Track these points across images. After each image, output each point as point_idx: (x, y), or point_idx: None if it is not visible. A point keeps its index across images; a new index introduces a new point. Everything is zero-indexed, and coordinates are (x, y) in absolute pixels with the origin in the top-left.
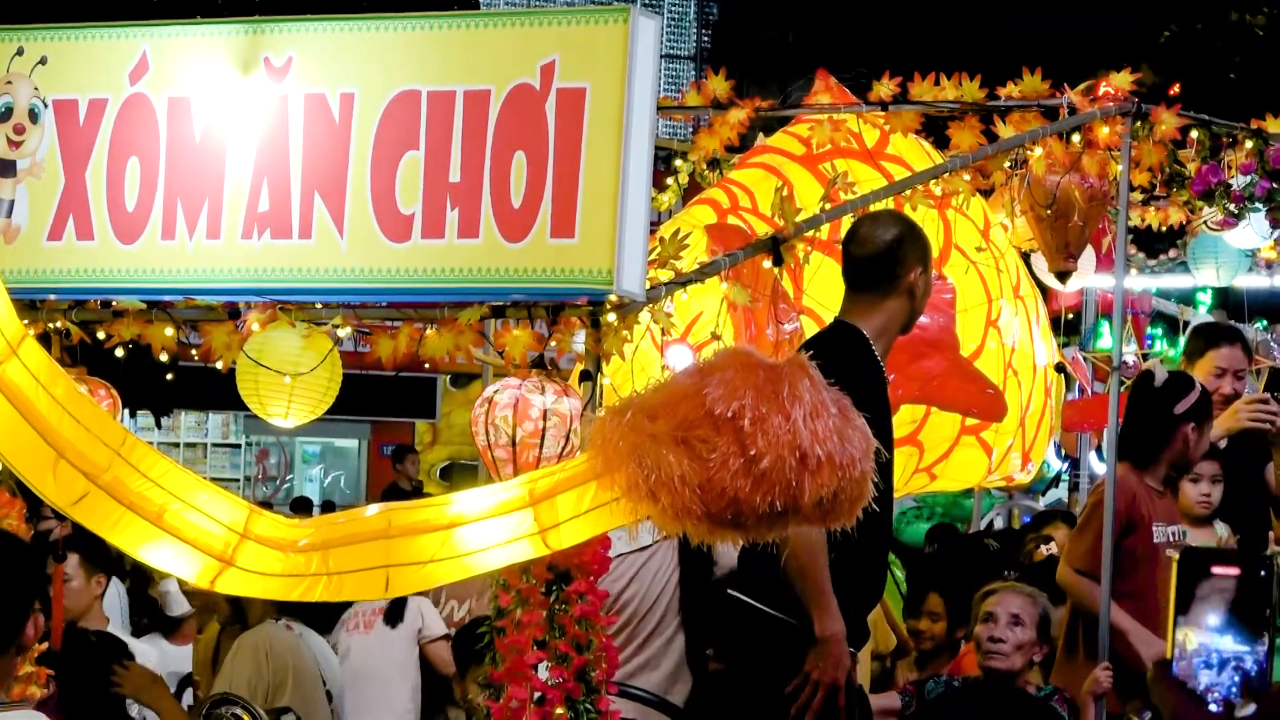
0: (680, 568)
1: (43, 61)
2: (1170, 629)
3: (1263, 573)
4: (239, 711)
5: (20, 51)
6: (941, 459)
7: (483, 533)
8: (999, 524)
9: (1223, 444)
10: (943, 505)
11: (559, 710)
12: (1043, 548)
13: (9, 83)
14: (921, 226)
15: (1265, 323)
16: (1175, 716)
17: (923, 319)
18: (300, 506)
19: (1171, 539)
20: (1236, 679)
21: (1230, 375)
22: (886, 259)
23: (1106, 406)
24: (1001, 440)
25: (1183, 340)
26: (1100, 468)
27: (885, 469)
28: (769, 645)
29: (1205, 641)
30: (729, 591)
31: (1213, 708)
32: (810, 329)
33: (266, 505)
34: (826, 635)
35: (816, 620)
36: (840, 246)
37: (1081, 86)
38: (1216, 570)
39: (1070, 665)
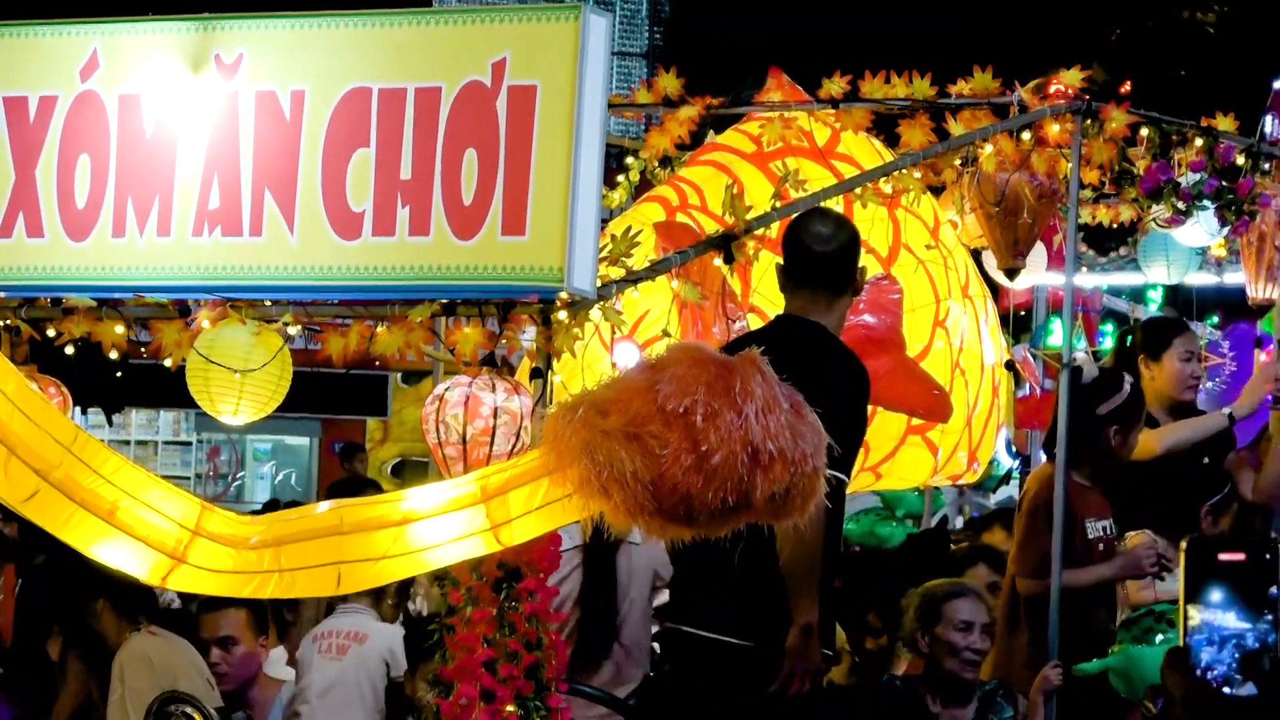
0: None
1: None
2: (1182, 613)
3: (1268, 555)
4: (189, 710)
5: None
6: (887, 458)
7: (435, 529)
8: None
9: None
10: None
11: (509, 708)
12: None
13: None
14: (871, 225)
15: (1215, 320)
16: (1187, 700)
17: (869, 319)
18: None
19: (1104, 533)
20: (1238, 656)
21: (1195, 358)
22: (846, 258)
23: (1053, 404)
24: (948, 440)
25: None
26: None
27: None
28: (723, 672)
29: (1208, 619)
30: (669, 625)
31: (1226, 690)
32: (757, 327)
33: (218, 502)
34: (809, 622)
35: (805, 608)
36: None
37: (1032, 84)
38: (1224, 557)
39: (1011, 643)
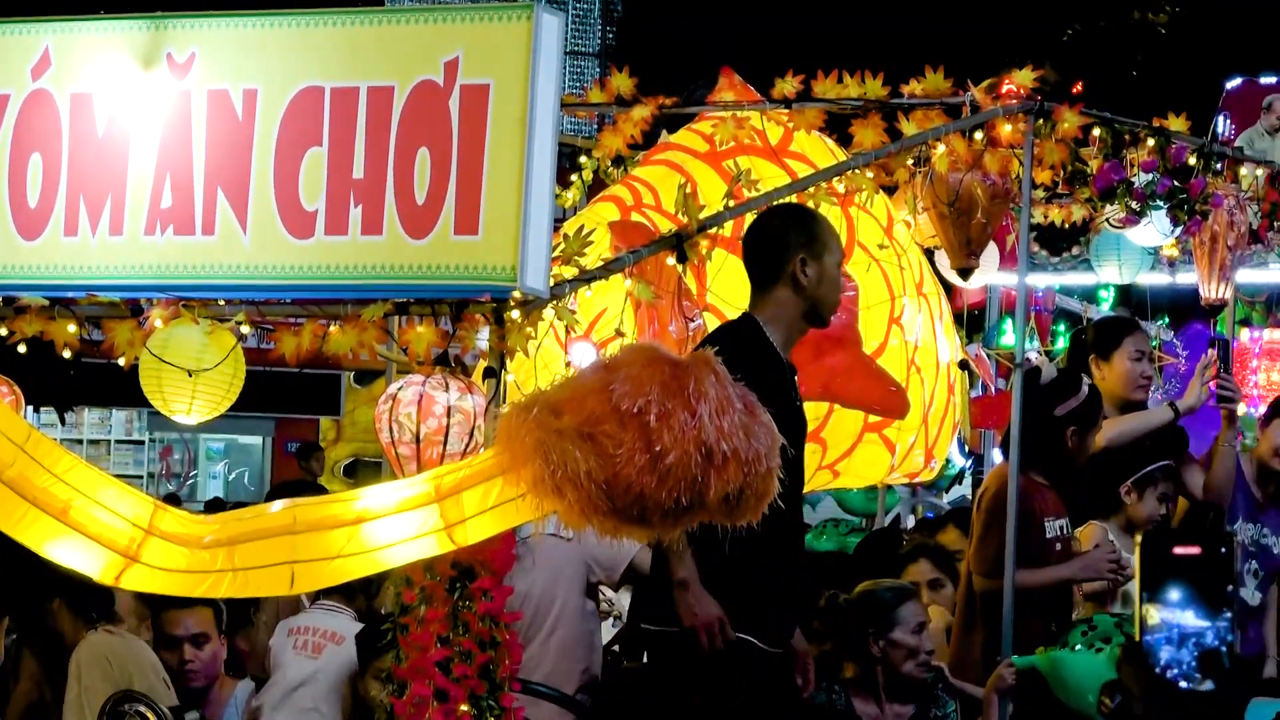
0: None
1: None
2: (1138, 609)
3: (1223, 549)
4: (142, 709)
5: None
6: (844, 456)
7: (389, 528)
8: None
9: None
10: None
11: (463, 707)
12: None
13: None
14: (820, 217)
15: (1166, 320)
16: (1145, 696)
17: None
18: (215, 508)
19: (1060, 532)
20: (1196, 654)
21: (1146, 358)
22: (767, 248)
23: (1009, 404)
24: (904, 437)
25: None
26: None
27: (793, 463)
28: (670, 661)
29: (1166, 617)
30: (635, 625)
31: (1182, 684)
32: (714, 326)
33: (173, 501)
34: (677, 580)
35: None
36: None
37: (984, 84)
38: (1178, 551)
39: (968, 640)
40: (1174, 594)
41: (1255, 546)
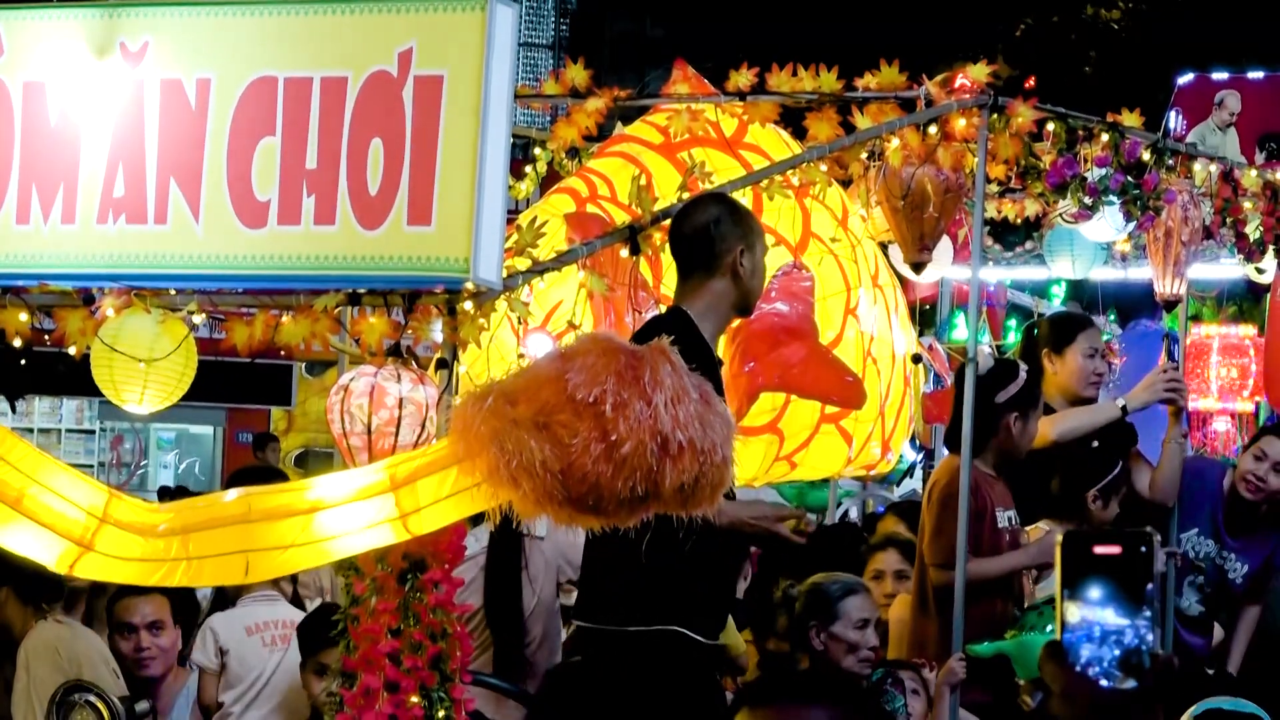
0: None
1: None
2: (1059, 607)
3: (1143, 548)
4: (92, 699)
5: None
6: (801, 447)
7: (343, 518)
8: (854, 514)
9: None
10: (792, 496)
11: (412, 699)
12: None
13: None
14: (747, 208)
15: (1114, 315)
16: (1065, 694)
17: (782, 307)
18: (166, 496)
19: (1010, 524)
20: (1116, 653)
21: (1098, 354)
22: (705, 239)
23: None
24: (861, 429)
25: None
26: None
27: None
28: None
29: (1087, 615)
30: (576, 623)
31: (1103, 683)
32: None
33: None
34: (727, 522)
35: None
36: None
37: (938, 79)
38: (1098, 550)
39: (924, 622)
40: (1094, 592)
41: (1206, 562)
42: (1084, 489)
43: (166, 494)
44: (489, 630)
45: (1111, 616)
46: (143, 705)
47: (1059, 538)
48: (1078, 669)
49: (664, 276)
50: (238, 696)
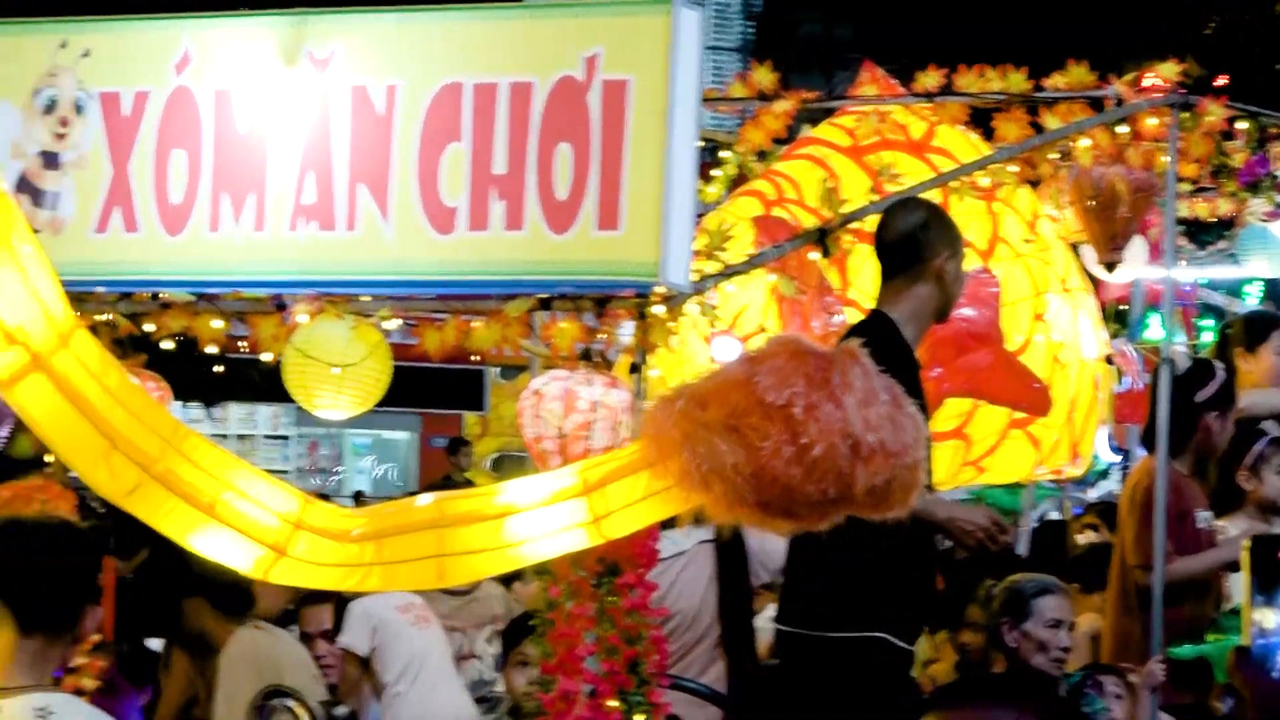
0: (718, 574)
1: (86, 54)
2: (1246, 612)
3: None
4: (291, 704)
5: (64, 44)
6: (989, 452)
7: (536, 521)
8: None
9: None
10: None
11: (610, 702)
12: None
13: (53, 75)
14: (949, 214)
15: None
16: (1256, 700)
17: (968, 312)
18: (360, 501)
19: (1208, 524)
20: None
21: None
22: (910, 243)
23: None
24: (1049, 434)
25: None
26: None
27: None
28: (806, 662)
29: None
30: (780, 629)
31: None
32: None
33: (324, 498)
34: (943, 520)
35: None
36: None
37: (1127, 78)
38: None
39: (1126, 622)
40: None
41: None
42: (1236, 467)
43: (360, 499)
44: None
45: None
46: (342, 710)
47: (1245, 544)
48: (1274, 676)
49: (851, 279)
50: (400, 674)
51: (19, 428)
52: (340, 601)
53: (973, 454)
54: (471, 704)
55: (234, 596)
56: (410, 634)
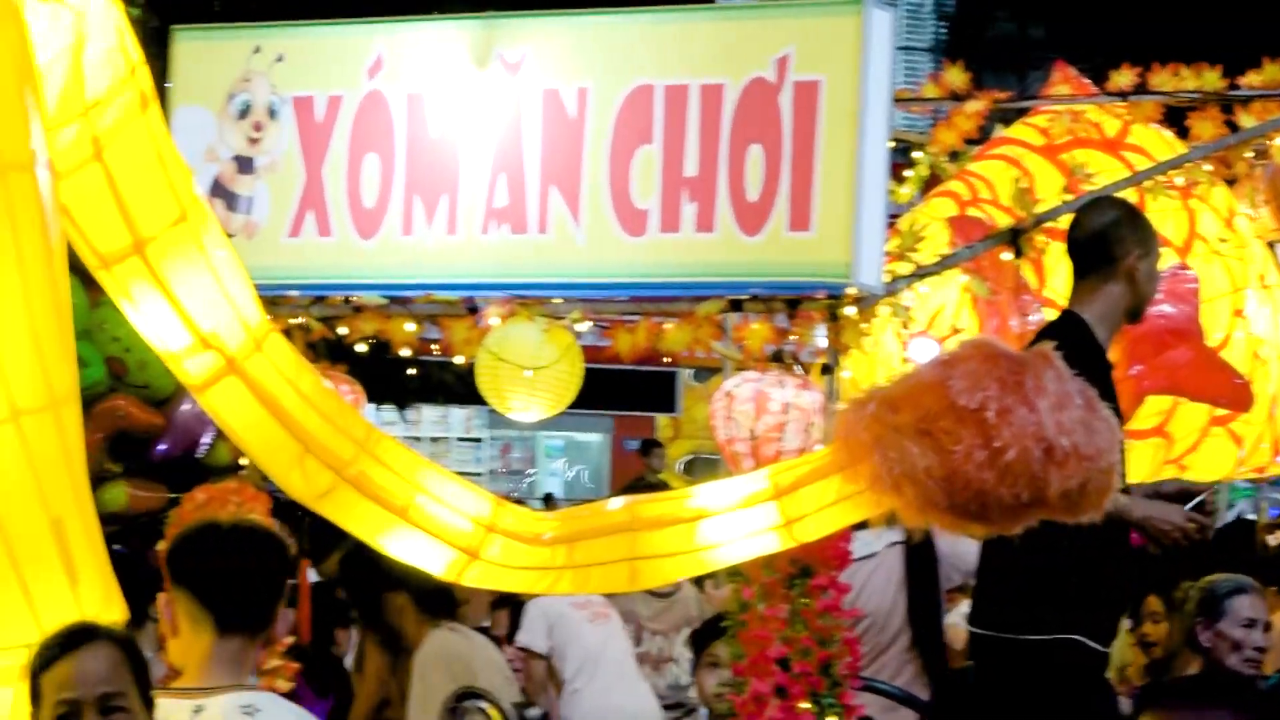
0: (907, 576)
1: (280, 59)
2: None
3: None
4: (484, 705)
5: (257, 49)
6: (1190, 450)
7: (728, 525)
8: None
9: None
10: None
11: (802, 704)
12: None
13: (246, 81)
14: (1143, 212)
15: None
16: None
17: (1167, 309)
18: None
19: None
20: None
21: None
22: (1102, 242)
23: None
24: (1251, 431)
25: None
26: None
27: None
28: (1001, 665)
29: None
30: (975, 631)
31: None
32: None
33: (519, 501)
34: (1139, 519)
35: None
36: None
37: None
38: None
39: None
40: None
41: None
42: None
43: (550, 502)
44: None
45: None
46: (534, 711)
47: None
48: None
49: (1047, 279)
50: (577, 670)
51: (220, 436)
52: (515, 603)
53: (1174, 452)
54: (655, 704)
55: (439, 599)
56: (586, 630)
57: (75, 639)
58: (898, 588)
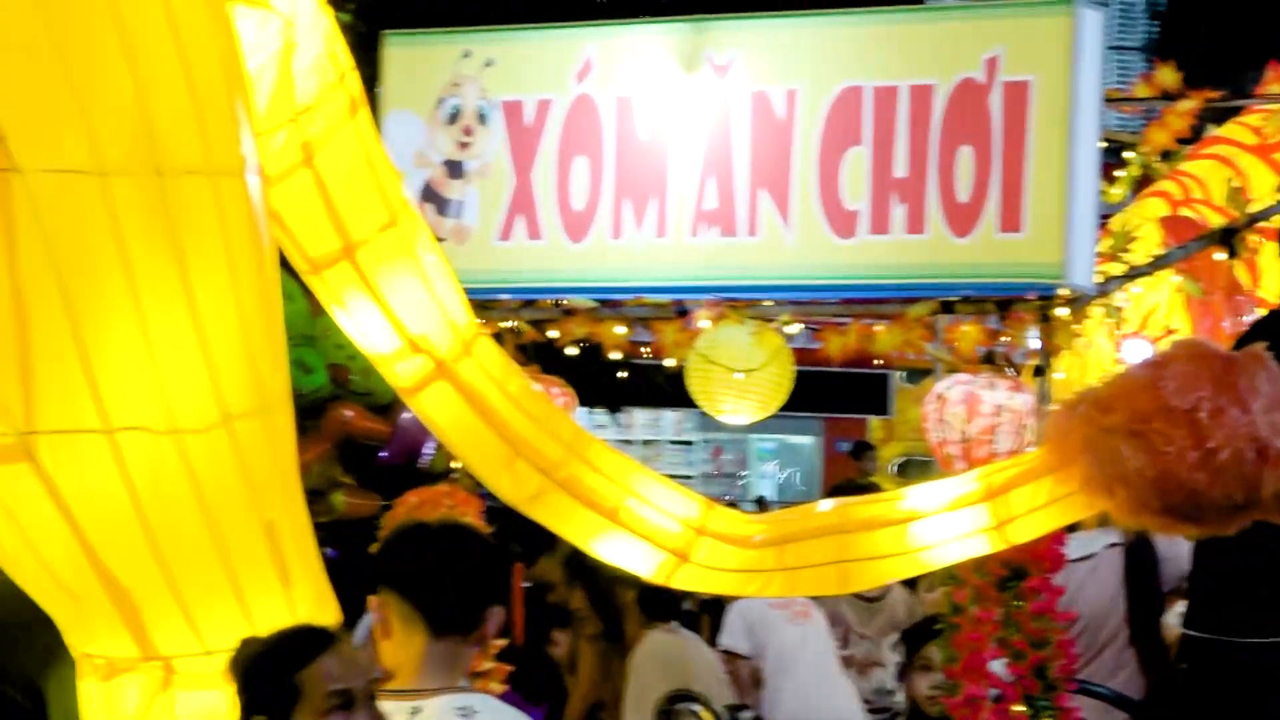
0: (1126, 578)
1: (489, 64)
2: None
3: None
4: (696, 707)
5: (467, 54)
6: None
7: (938, 527)
8: None
9: None
10: None
11: (1017, 707)
12: None
13: (456, 85)
14: None
15: None
16: None
17: None
18: (761, 506)
19: None
20: None
21: None
22: None
23: None
24: None
25: None
26: None
27: None
28: (1241, 673)
29: None
30: (1189, 634)
31: None
32: None
33: (733, 504)
34: None
35: None
36: None
37: None
38: None
39: None
40: None
41: None
42: None
43: (762, 504)
44: (1129, 649)
45: None
46: (747, 714)
47: None
48: None
49: (1260, 279)
50: (776, 670)
51: (440, 444)
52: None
53: None
54: (857, 706)
55: (662, 600)
56: (785, 629)
57: (321, 637)
58: (1117, 589)
